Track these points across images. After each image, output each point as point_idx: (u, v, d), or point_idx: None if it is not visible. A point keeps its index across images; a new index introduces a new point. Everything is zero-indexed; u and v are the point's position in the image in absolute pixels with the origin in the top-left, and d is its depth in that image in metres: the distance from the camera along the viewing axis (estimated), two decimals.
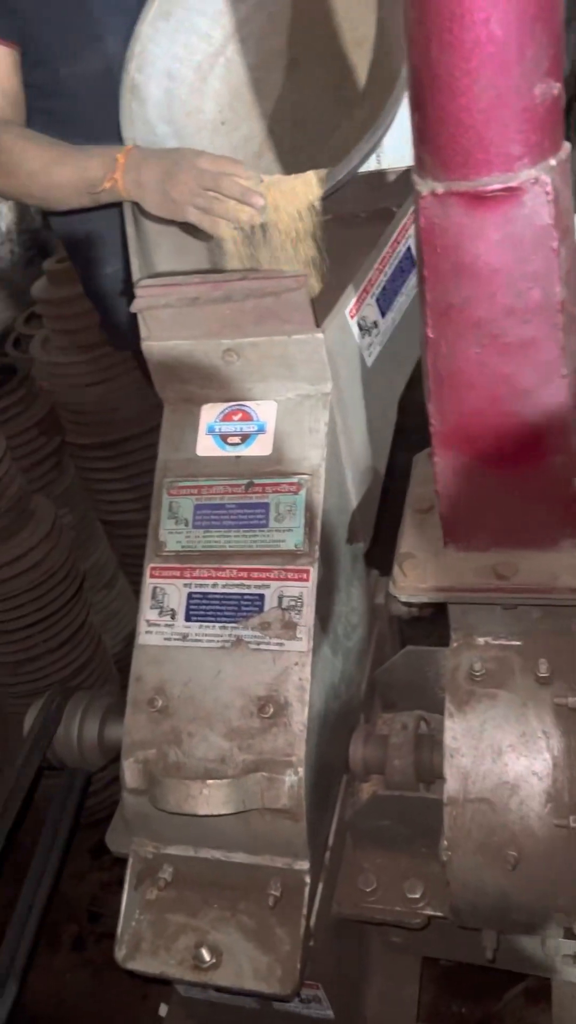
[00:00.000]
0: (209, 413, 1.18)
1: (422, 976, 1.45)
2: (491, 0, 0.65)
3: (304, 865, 1.07)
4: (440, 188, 0.75)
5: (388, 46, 1.35)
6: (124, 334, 1.65)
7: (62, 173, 1.35)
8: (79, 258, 1.78)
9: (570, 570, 0.97)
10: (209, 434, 1.18)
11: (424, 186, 0.76)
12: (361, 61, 1.45)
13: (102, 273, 1.76)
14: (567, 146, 0.76)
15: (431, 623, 1.40)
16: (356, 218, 1.49)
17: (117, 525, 2.46)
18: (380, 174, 1.51)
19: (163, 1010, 1.47)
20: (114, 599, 2.32)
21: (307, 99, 1.53)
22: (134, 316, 1.16)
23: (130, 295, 1.17)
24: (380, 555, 1.35)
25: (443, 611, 1.23)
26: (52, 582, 1.87)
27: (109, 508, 2.44)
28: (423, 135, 0.74)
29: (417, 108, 0.73)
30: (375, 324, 1.23)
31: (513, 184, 0.73)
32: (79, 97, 1.51)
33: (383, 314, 1.25)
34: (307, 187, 1.23)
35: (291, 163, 1.56)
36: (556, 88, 0.70)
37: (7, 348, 2.86)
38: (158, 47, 1.47)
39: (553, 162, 0.73)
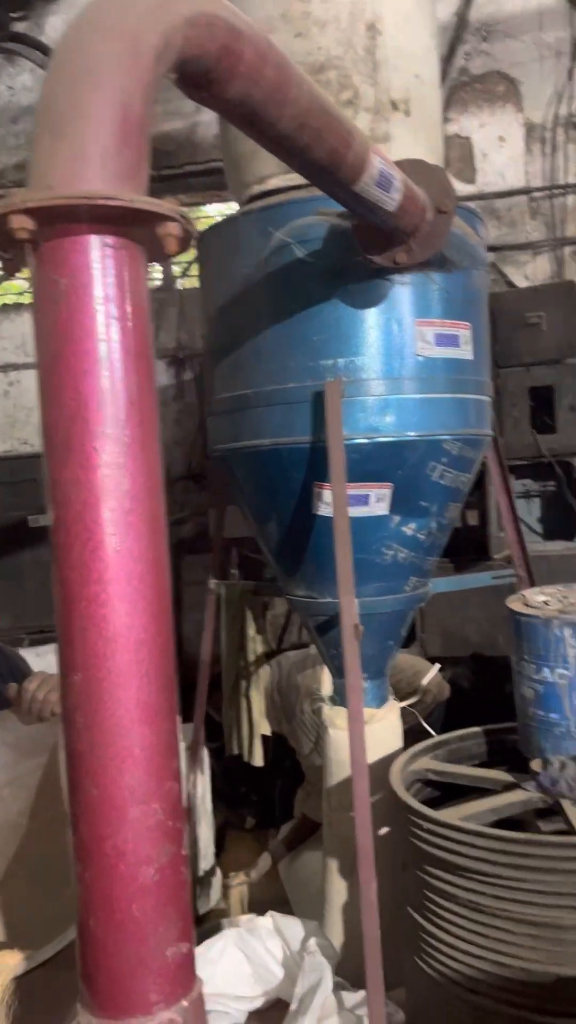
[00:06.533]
0: None
1: None
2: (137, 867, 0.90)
3: None
4: None
5: None
6: None
7: None
8: None
9: None
10: None
11: (84, 1016, 0.92)
12: None
13: None
14: (199, 982, 0.96)
15: None
16: None
17: None
18: None
19: None
20: None
21: None
22: None
23: None
24: None
25: None
26: None
27: None
28: (84, 977, 0.92)
29: (81, 957, 0.93)
30: None
31: None
32: None
33: None
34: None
35: None
36: (185, 948, 0.93)
37: None
38: None
39: (185, 1003, 0.92)
